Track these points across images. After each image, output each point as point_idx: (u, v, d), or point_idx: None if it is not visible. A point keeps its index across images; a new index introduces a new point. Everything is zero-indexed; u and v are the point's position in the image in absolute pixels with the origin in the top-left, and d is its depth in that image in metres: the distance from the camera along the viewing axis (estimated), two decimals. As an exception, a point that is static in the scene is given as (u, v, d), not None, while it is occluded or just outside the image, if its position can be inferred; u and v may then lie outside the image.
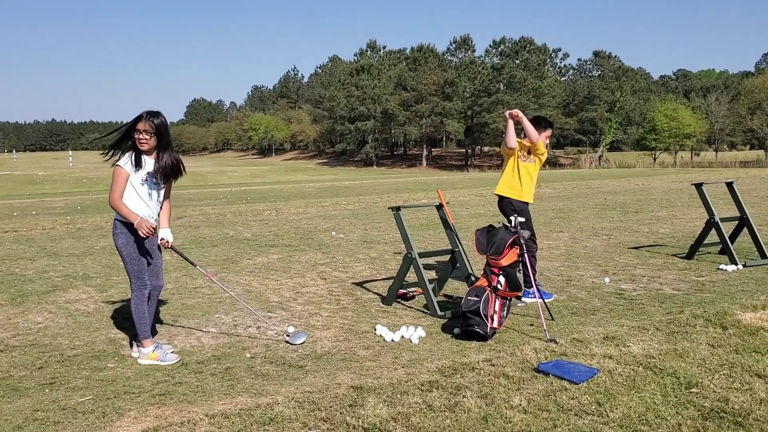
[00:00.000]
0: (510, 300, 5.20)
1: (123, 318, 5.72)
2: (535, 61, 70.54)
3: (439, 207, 6.27)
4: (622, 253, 8.44)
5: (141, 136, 4.40)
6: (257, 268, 7.94)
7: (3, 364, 4.60)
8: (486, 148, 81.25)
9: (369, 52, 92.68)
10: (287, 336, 5.03)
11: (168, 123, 4.58)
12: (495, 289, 5.02)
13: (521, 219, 5.39)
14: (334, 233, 10.69)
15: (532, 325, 5.30)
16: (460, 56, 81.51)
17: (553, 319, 5.42)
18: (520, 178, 6.07)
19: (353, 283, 6.99)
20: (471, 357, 4.52)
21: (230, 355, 4.74)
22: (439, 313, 5.56)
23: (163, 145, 4.50)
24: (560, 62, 78.11)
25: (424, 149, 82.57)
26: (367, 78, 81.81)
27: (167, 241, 4.76)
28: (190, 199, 21.12)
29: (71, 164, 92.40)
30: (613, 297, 6.20)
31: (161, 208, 4.75)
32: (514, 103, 65.43)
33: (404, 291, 6.23)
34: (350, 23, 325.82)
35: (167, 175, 4.60)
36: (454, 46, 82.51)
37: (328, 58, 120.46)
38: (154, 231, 4.54)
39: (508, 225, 5.28)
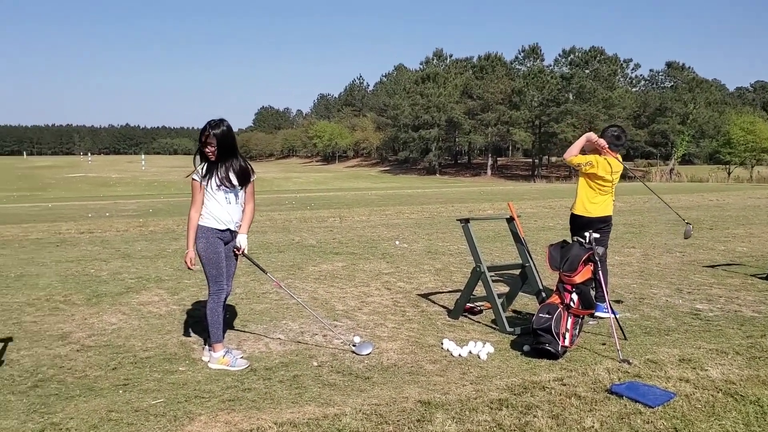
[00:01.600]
0: (582, 318, 5.05)
1: (194, 321, 5.83)
2: (605, 71, 69.17)
3: (510, 220, 6.17)
4: (697, 272, 8.12)
5: (207, 148, 4.57)
6: (322, 275, 7.98)
7: (79, 364, 4.74)
8: (554, 159, 79.94)
9: (435, 61, 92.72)
10: (353, 346, 5.02)
11: (231, 130, 4.69)
12: (567, 307, 4.89)
13: (596, 235, 5.25)
14: (397, 242, 10.67)
15: (604, 344, 5.14)
16: (528, 65, 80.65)
17: (626, 338, 5.25)
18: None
19: (418, 295, 6.94)
20: (541, 375, 4.40)
21: (297, 362, 4.76)
22: (508, 329, 5.45)
23: (228, 152, 4.62)
24: (631, 72, 76.52)
25: (489, 158, 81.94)
26: (432, 86, 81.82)
27: (240, 248, 4.83)
28: (258, 204, 21.41)
29: (143, 167, 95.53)
30: (688, 317, 5.96)
31: (243, 211, 4.85)
32: (583, 114, 64.36)
33: (472, 305, 6.14)
34: (416, 33, 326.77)
35: (238, 179, 4.71)
36: (522, 54, 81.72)
37: (394, 66, 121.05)
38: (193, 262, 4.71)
39: (582, 241, 5.14)
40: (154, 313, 6.19)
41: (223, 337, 5.00)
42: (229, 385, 4.29)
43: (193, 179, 4.64)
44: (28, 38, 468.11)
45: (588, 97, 66.28)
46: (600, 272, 5.12)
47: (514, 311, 6.28)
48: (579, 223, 5.94)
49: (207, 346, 4.86)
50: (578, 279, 4.93)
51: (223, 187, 4.63)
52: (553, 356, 4.73)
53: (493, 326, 5.68)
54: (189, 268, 4.74)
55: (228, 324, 5.77)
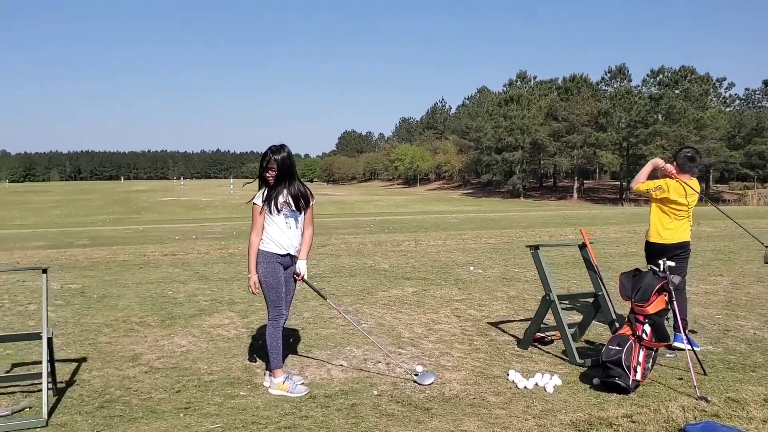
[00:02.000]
0: (656, 351, 4.77)
1: (259, 345, 5.86)
2: (696, 91, 66.47)
3: (582, 246, 5.94)
4: (799, 304, 7.58)
5: (268, 173, 4.64)
6: (392, 300, 7.92)
7: (145, 386, 4.84)
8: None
9: (519, 83, 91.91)
10: (415, 375, 4.92)
11: (292, 155, 4.74)
12: (639, 339, 4.63)
13: (671, 263, 4.96)
14: (472, 268, 10.48)
15: (681, 379, 4.83)
16: (615, 86, 78.67)
17: (705, 373, 4.92)
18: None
19: (488, 323, 6.77)
20: (609, 411, 4.18)
21: (358, 390, 4.70)
22: (578, 360, 5.22)
23: (287, 176, 4.67)
24: (725, 92, 73.22)
25: (575, 181, 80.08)
26: (516, 108, 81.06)
27: (300, 275, 4.84)
28: (336, 227, 21.69)
29: (231, 191, 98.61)
30: (779, 353, 5.54)
31: (303, 236, 4.88)
32: (673, 135, 62.09)
33: (542, 335, 5.93)
34: (500, 55, 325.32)
35: (297, 204, 4.74)
36: (608, 75, 79.81)
37: (477, 89, 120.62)
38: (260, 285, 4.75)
39: (656, 269, 4.88)
40: (223, 336, 6.28)
41: (283, 363, 5.00)
42: (287, 412, 4.27)
43: (254, 203, 4.71)
44: (126, 73, 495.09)
45: (678, 117, 63.84)
46: (675, 302, 4.82)
47: (587, 342, 6.01)
48: (654, 251, 5.66)
49: (268, 372, 4.87)
50: (651, 309, 4.67)
51: (283, 212, 4.68)
52: (624, 390, 4.48)
53: (564, 357, 5.45)
54: (253, 293, 4.79)
55: (292, 349, 5.79)
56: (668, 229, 5.65)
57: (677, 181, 5.64)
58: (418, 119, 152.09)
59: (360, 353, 5.67)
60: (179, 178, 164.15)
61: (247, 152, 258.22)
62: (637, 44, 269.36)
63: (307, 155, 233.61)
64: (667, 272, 4.84)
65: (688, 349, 4.79)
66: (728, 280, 9.16)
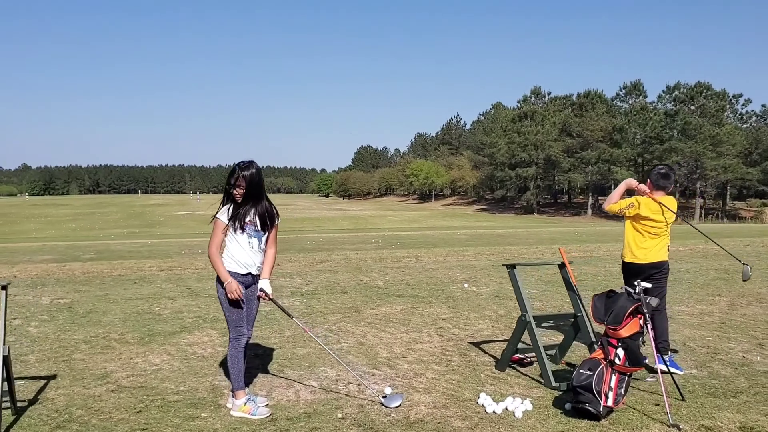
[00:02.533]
0: (630, 376, 4.61)
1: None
2: (712, 107, 65.88)
3: (561, 266, 5.79)
4: (791, 326, 7.37)
5: (235, 190, 4.52)
6: (378, 318, 7.79)
7: (108, 406, 4.74)
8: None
9: (533, 99, 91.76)
10: (383, 398, 4.78)
11: (260, 173, 4.64)
12: (612, 363, 4.47)
13: (646, 284, 4.81)
14: (466, 285, 10.33)
15: (657, 404, 4.66)
16: (630, 102, 78.31)
17: (683, 399, 4.75)
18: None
19: (470, 343, 6.62)
20: (577, 439, 4.02)
21: (322, 413, 4.57)
22: (554, 384, 5.06)
23: (255, 194, 4.57)
24: (741, 108, 72.43)
25: (590, 197, 79.52)
26: (529, 124, 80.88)
27: (265, 294, 4.74)
28: (343, 242, 21.61)
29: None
30: (764, 377, 5.35)
31: (264, 256, 4.78)
32: (689, 151, 61.56)
33: (521, 356, 5.78)
34: (515, 71, 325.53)
35: (264, 224, 4.66)
36: (624, 91, 79.49)
37: (491, 105, 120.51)
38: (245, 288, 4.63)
39: (631, 291, 4.72)
40: (198, 355, 6.18)
41: (252, 382, 4.90)
42: (244, 435, 4.16)
43: (217, 219, 4.58)
44: (146, 89, 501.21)
45: (694, 133, 63.27)
46: (650, 324, 4.65)
47: (568, 364, 5.85)
48: (629, 271, 5.53)
49: (231, 393, 4.76)
50: (625, 333, 4.51)
51: (247, 231, 4.58)
52: (595, 417, 4.32)
53: (541, 380, 5.30)
54: (240, 298, 4.59)
55: (264, 368, 5.70)
56: (642, 249, 5.50)
57: (651, 198, 5.52)
58: (433, 135, 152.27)
59: (333, 374, 5.55)
60: (195, 192, 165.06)
61: (263, 167, 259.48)
62: (652, 60, 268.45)
63: (323, 170, 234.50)
64: (641, 294, 4.68)
65: (662, 372, 4.63)
66: (726, 300, 8.93)
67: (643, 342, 4.71)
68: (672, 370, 5.26)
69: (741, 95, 71.06)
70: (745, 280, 5.92)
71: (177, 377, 5.46)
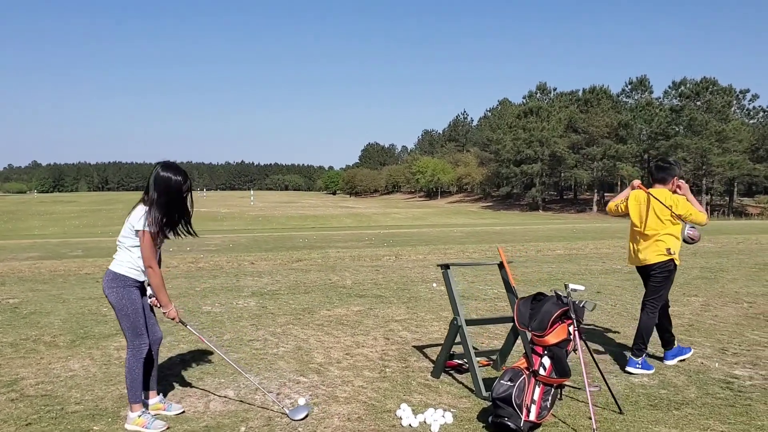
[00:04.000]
0: (558, 387, 4.22)
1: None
2: (718, 103, 65.00)
3: (500, 266, 5.41)
4: (759, 327, 6.94)
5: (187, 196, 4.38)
6: (329, 321, 7.43)
7: (0, 415, 4.41)
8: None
9: (539, 95, 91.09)
10: (287, 410, 4.42)
11: (160, 176, 4.25)
12: (535, 373, 4.09)
13: (579, 287, 4.42)
14: (435, 285, 9.96)
15: (590, 418, 4.26)
16: (635, 98, 77.54)
17: (621, 412, 4.36)
18: None
19: (415, 347, 6.24)
20: (489, 458, 3.65)
21: (224, 426, 4.22)
22: (484, 393, 4.68)
23: (153, 200, 4.20)
24: (748, 104, 71.48)
25: (595, 194, 78.83)
26: (535, 120, 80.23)
27: (156, 300, 4.38)
28: (335, 240, 21.25)
29: (252, 203, 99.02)
30: (717, 386, 4.95)
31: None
32: (694, 147, 60.80)
33: (459, 362, 5.40)
34: (522, 66, 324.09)
35: (179, 233, 4.44)
36: (629, 87, 78.75)
37: (498, 101, 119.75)
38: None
39: (560, 293, 4.33)
40: (122, 360, 5.82)
41: (167, 391, 4.60)
42: (128, 452, 3.81)
43: (149, 232, 4.11)
44: (154, 87, 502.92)
45: (699, 129, 62.47)
46: (576, 332, 4.24)
47: (511, 371, 5.46)
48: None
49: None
50: (552, 340, 4.12)
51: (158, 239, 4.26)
52: (515, 433, 3.94)
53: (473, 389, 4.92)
54: (181, 322, 4.41)
55: (184, 375, 5.34)
56: (635, 248, 5.54)
57: (642, 190, 5.45)
58: (441, 131, 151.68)
59: (256, 381, 5.18)
60: (202, 189, 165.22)
61: (270, 164, 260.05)
62: (658, 56, 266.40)
63: (331, 167, 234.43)
64: (570, 297, 4.28)
65: (605, 382, 4.26)
66: (702, 301, 8.50)
67: (575, 350, 4.29)
68: (640, 371, 5.28)
69: (748, 90, 70.28)
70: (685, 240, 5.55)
71: (87, 385, 5.11)
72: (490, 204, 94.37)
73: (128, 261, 4.24)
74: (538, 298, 4.35)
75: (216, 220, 61.74)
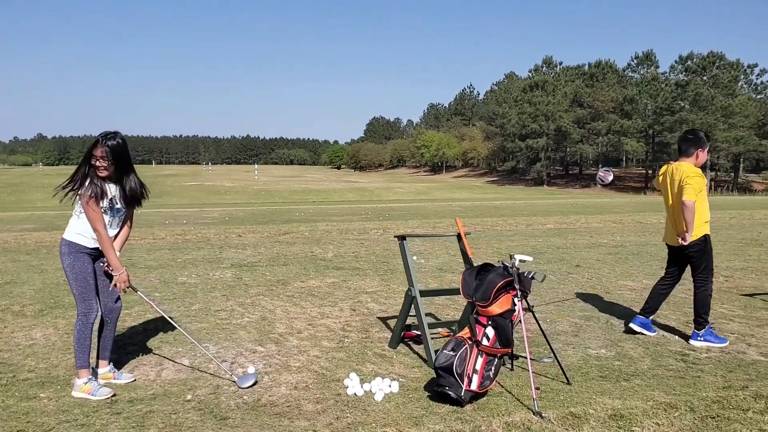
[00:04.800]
0: (501, 357, 4.21)
1: (115, 341, 5.43)
2: (725, 78, 64.17)
3: (458, 238, 5.38)
4: (729, 301, 6.91)
5: (98, 163, 4.15)
6: (300, 292, 7.43)
7: (-52, 383, 4.44)
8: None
9: (545, 68, 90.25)
10: (236, 378, 4.44)
11: (127, 144, 4.24)
12: (478, 343, 4.08)
13: (527, 258, 4.39)
14: (415, 257, 9.94)
15: (538, 388, 4.26)
16: (641, 72, 76.70)
17: (569, 383, 4.35)
18: None
19: (379, 318, 6.25)
20: (426, 427, 3.65)
21: (169, 395, 4.23)
22: (435, 363, 4.67)
23: (122, 168, 4.19)
24: (756, 79, 70.51)
25: (600, 169, 78.38)
26: (540, 94, 79.50)
27: (107, 266, 4.38)
28: (331, 214, 21.23)
29: (256, 177, 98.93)
30: (672, 358, 4.94)
31: (119, 233, 4.46)
32: (699, 122, 60.22)
33: (417, 332, 5.40)
34: (528, 40, 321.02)
35: (131, 201, 4.36)
36: (635, 61, 77.88)
37: (504, 74, 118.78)
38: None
39: (507, 264, 4.30)
40: (85, 329, 5.86)
41: (119, 361, 4.62)
42: (69, 419, 3.83)
43: (84, 195, 4.12)
44: (160, 56, 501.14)
45: (705, 105, 61.81)
46: (521, 302, 4.21)
47: (470, 342, 5.45)
48: None
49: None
50: (496, 309, 4.11)
51: (112, 209, 4.24)
52: (457, 402, 3.95)
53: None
54: (125, 290, 4.37)
55: (143, 344, 5.36)
56: (670, 226, 5.60)
57: (669, 164, 5.51)
58: (446, 105, 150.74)
59: (213, 351, 5.21)
60: (207, 163, 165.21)
61: (276, 138, 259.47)
62: (665, 30, 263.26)
63: (336, 142, 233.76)
64: (516, 267, 4.25)
65: (542, 361, 4.24)
66: (679, 274, 8.45)
67: (519, 321, 4.28)
68: (641, 330, 5.54)
69: (756, 65, 69.22)
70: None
71: (45, 353, 5.14)
72: (495, 179, 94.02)
73: (75, 227, 4.27)
74: (486, 268, 4.33)
75: (219, 193, 61.69)
